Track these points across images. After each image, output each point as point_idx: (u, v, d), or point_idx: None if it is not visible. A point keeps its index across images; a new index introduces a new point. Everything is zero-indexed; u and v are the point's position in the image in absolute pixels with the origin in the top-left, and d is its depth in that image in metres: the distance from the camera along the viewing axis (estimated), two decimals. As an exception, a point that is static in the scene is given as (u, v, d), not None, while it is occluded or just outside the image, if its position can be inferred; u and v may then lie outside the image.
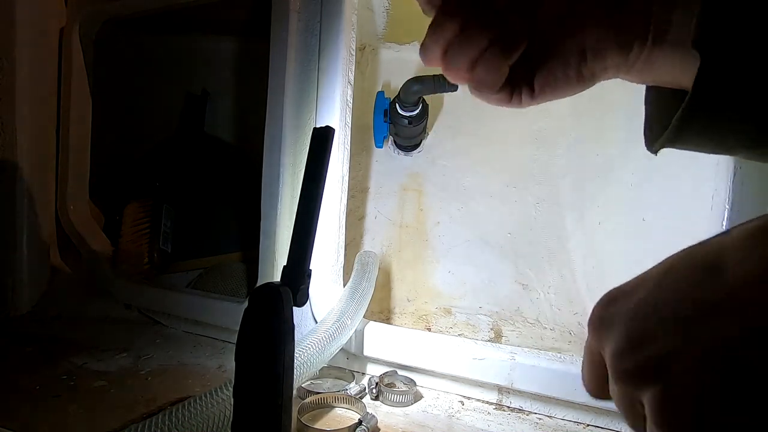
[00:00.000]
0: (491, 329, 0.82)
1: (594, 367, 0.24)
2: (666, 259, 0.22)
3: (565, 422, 0.56)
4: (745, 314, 0.18)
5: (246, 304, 0.32)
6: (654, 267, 0.23)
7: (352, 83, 0.66)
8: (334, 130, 0.34)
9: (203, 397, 0.46)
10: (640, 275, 0.23)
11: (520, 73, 0.31)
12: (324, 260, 0.65)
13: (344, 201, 0.66)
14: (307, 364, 0.53)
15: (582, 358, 0.25)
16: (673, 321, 0.20)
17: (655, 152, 0.32)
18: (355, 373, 0.64)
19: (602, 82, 0.32)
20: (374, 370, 0.64)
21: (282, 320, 0.31)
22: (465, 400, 0.60)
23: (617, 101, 0.74)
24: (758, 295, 0.18)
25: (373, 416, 0.52)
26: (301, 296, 0.34)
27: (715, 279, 0.19)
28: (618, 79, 0.31)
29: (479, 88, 0.31)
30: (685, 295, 0.20)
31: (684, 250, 0.22)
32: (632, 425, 0.22)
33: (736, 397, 0.17)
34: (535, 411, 0.58)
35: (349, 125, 0.66)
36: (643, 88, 0.33)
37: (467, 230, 0.90)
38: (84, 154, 0.91)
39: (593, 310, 0.24)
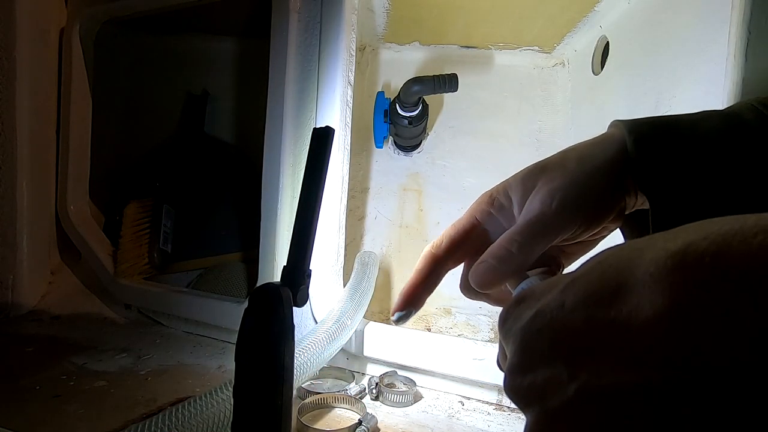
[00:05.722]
0: (491, 329, 0.82)
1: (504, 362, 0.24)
2: (591, 258, 0.21)
3: (565, 422, 0.56)
4: (631, 366, 0.16)
5: (246, 304, 0.32)
6: (580, 267, 0.21)
7: (352, 83, 0.66)
8: (334, 130, 0.34)
9: (203, 397, 0.46)
10: (561, 275, 0.23)
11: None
12: (324, 260, 0.65)
13: (344, 201, 0.66)
14: (307, 365, 0.53)
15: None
16: (561, 347, 0.19)
17: None
18: (355, 374, 0.64)
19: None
20: (374, 371, 0.64)
21: (282, 320, 0.31)
22: (465, 401, 0.60)
23: (617, 101, 0.74)
24: (650, 349, 0.15)
25: (373, 416, 0.52)
26: (301, 296, 0.34)
27: (615, 307, 0.17)
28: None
29: None
30: (581, 316, 0.18)
31: (610, 249, 0.20)
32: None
33: None
34: (535, 411, 0.58)
35: (349, 125, 0.66)
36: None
37: (467, 230, 0.89)
38: (84, 154, 0.91)
39: (504, 307, 0.24)
